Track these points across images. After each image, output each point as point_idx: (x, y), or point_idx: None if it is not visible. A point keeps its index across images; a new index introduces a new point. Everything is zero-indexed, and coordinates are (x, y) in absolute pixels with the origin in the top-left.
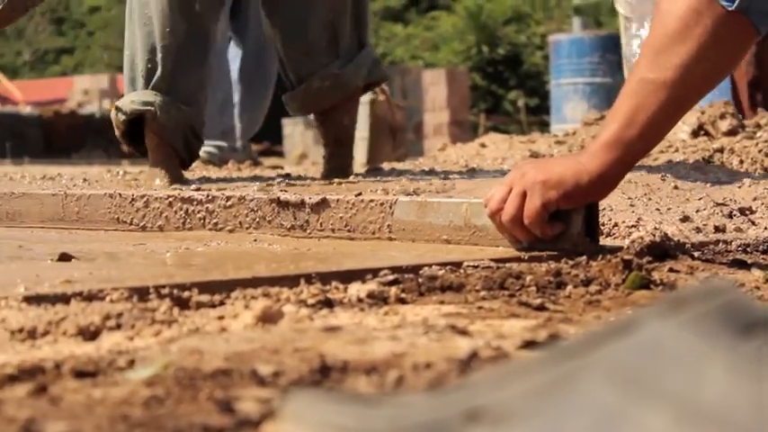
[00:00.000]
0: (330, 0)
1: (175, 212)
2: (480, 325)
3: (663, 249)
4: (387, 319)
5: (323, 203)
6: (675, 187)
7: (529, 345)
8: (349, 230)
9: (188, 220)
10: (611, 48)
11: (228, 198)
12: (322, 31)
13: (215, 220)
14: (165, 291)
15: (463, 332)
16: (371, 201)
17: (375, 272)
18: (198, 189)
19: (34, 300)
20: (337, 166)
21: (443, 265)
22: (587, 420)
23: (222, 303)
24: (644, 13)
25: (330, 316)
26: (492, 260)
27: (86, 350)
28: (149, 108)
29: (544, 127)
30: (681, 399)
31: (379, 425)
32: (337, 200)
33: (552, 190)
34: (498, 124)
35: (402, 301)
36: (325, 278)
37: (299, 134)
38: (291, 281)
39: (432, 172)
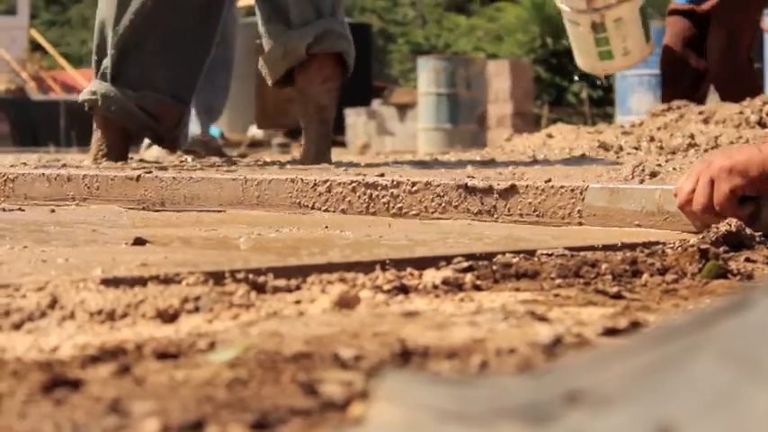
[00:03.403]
0: None
1: (359, 197)
2: (558, 312)
3: (739, 239)
4: (463, 305)
5: (511, 189)
6: None
7: (610, 332)
8: (538, 216)
9: (371, 205)
10: None
11: (414, 183)
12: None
13: (399, 205)
14: (241, 275)
15: (542, 318)
16: (561, 186)
17: (449, 259)
18: (382, 175)
19: (112, 282)
20: (312, 148)
21: (517, 252)
22: (699, 400)
23: (298, 288)
24: None
25: (406, 301)
26: (566, 248)
27: (166, 332)
28: (93, 98)
29: (608, 119)
30: None
31: (477, 406)
32: (526, 186)
33: (738, 176)
34: (562, 116)
35: (477, 288)
36: (399, 264)
37: (361, 124)
38: (366, 267)
39: (492, 162)
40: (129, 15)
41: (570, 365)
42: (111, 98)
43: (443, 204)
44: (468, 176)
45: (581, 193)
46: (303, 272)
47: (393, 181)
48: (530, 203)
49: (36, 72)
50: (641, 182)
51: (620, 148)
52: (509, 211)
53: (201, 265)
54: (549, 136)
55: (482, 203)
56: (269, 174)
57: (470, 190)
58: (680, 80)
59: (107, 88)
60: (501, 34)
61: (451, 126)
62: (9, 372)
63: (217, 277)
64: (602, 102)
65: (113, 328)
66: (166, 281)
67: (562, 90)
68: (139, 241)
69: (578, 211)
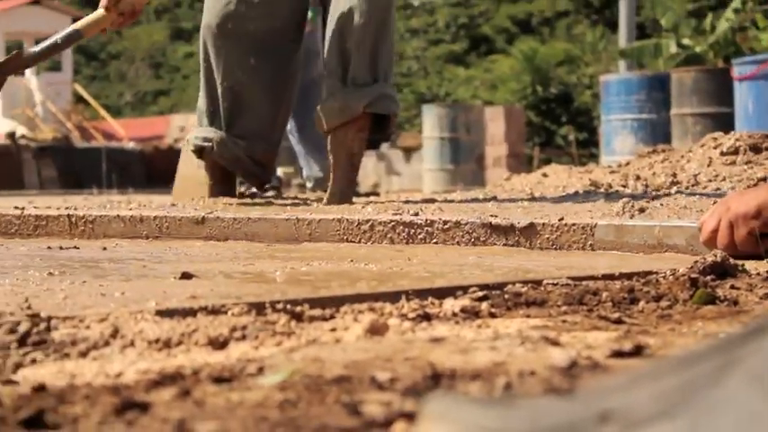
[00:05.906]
0: (349, 30)
1: (398, 234)
2: (567, 336)
3: (724, 268)
4: (482, 331)
5: (530, 227)
6: None
7: (617, 354)
8: (555, 249)
9: (410, 241)
10: (656, 86)
11: (446, 222)
12: (338, 56)
13: (434, 241)
14: (280, 306)
15: (555, 343)
16: (574, 224)
17: (465, 289)
18: (416, 214)
19: (166, 313)
20: (338, 190)
21: (525, 282)
22: (729, 421)
23: (332, 317)
24: None
25: (430, 328)
26: (569, 278)
27: (218, 358)
28: (208, 144)
29: (593, 158)
30: None
31: (519, 425)
32: (543, 224)
33: (753, 220)
34: (551, 156)
35: (492, 315)
36: (421, 294)
37: (371, 166)
38: (392, 297)
39: (494, 198)
40: (238, 71)
41: (601, 387)
42: (224, 146)
43: (472, 240)
44: (492, 215)
45: (591, 230)
46: (336, 302)
47: (427, 220)
48: (548, 239)
49: (79, 122)
50: (631, 217)
51: (610, 186)
52: (530, 245)
53: (244, 296)
54: (545, 175)
55: (506, 239)
56: (317, 214)
57: (495, 228)
58: None
59: (220, 136)
60: (496, 83)
61: (453, 166)
62: (82, 396)
63: (259, 308)
64: (587, 143)
65: (170, 355)
66: (214, 311)
67: (551, 133)
68: (186, 275)
69: (590, 244)
